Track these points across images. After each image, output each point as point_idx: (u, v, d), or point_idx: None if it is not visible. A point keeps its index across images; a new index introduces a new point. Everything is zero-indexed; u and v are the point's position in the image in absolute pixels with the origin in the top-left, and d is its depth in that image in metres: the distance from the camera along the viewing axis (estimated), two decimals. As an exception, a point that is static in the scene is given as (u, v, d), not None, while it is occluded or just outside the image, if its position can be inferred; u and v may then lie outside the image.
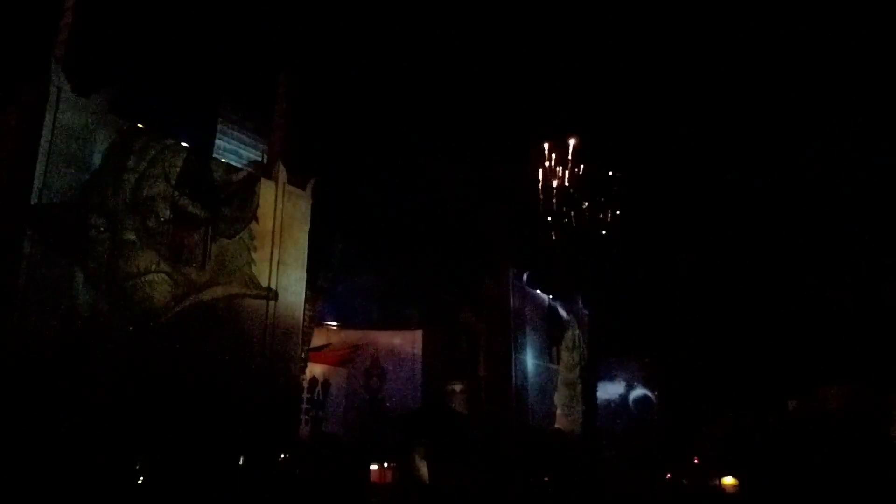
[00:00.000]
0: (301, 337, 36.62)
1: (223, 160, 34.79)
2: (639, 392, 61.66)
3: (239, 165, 35.52)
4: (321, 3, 41.06)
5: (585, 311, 57.57)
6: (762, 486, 43.60)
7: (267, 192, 35.04)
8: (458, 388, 47.97)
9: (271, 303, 34.34)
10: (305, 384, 40.81)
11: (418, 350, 49.57)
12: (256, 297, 33.77)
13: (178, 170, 31.01)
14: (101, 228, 28.10)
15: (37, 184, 26.27)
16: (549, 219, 45.57)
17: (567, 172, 45.73)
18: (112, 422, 26.14)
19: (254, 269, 33.81)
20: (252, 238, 33.91)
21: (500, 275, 49.20)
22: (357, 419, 46.27)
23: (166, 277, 30.05)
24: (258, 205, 34.44)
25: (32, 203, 26.11)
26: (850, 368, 52.57)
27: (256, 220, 34.25)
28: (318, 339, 43.40)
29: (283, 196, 35.79)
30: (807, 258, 59.78)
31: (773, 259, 61.82)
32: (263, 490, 30.81)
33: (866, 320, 54.61)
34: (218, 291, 32.03)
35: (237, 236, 33.36)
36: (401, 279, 51.17)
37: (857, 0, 58.58)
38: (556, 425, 51.16)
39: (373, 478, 43.05)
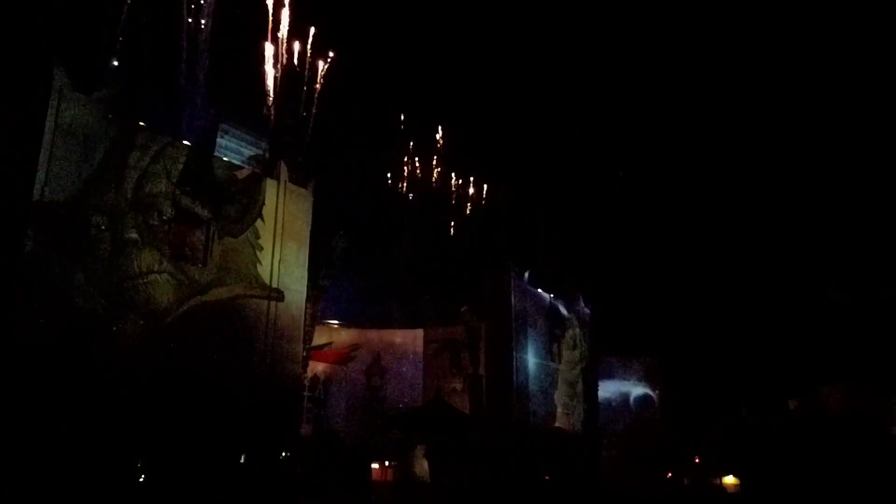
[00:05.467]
0: (302, 335, 36.56)
1: (225, 159, 34.70)
2: (640, 391, 61.61)
3: (240, 164, 35.43)
4: (322, 3, 40.99)
5: (587, 310, 57.54)
6: (763, 485, 43.63)
7: (269, 191, 34.99)
8: (458, 386, 47.95)
9: (273, 302, 34.26)
10: (307, 382, 40.81)
11: (419, 348, 49.57)
12: (262, 297, 33.72)
13: (180, 167, 30.94)
14: (102, 227, 27.99)
15: (39, 182, 26.20)
16: None
17: None
18: (113, 420, 26.08)
19: (259, 269, 33.78)
20: (257, 237, 33.81)
21: (501, 274, 49.17)
22: (358, 417, 46.27)
23: (169, 278, 29.91)
24: (264, 203, 34.34)
25: (34, 200, 26.05)
26: (850, 368, 52.66)
27: (262, 218, 34.20)
28: (319, 338, 43.38)
29: (285, 195, 35.69)
30: (807, 258, 59.83)
31: (774, 259, 61.91)
32: (264, 488, 30.81)
33: (866, 320, 54.63)
34: (222, 292, 31.87)
35: (242, 235, 33.32)
36: (402, 278, 51.20)
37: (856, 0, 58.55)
38: (557, 424, 51.12)
39: (374, 476, 43.10)
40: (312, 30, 39.81)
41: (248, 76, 38.43)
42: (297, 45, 39.42)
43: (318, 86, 40.48)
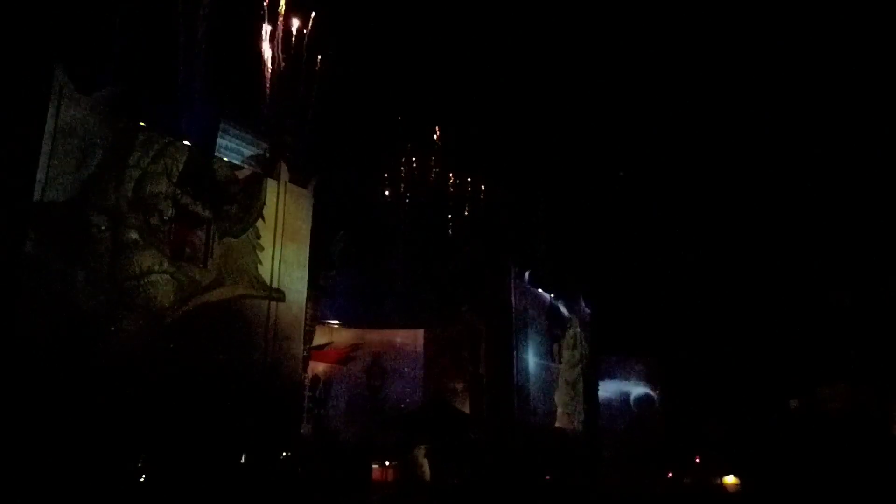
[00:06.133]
0: (303, 336, 36.57)
1: (225, 159, 34.69)
2: (640, 391, 61.70)
3: (240, 164, 35.42)
4: (324, 2, 41.04)
5: (587, 310, 57.60)
6: (763, 485, 43.68)
7: (269, 191, 34.98)
8: (459, 386, 47.95)
9: (274, 302, 34.25)
10: (307, 383, 40.80)
11: (420, 349, 49.53)
12: (263, 297, 33.68)
13: (181, 167, 30.93)
14: (103, 227, 27.93)
15: (39, 182, 26.13)
16: None
17: None
18: (114, 421, 26.06)
19: (260, 269, 33.76)
20: (258, 237, 33.81)
21: (501, 274, 49.17)
22: (358, 418, 46.24)
23: (170, 278, 29.84)
24: (264, 203, 34.35)
25: (34, 201, 26.01)
26: (851, 368, 52.66)
27: (263, 218, 34.19)
28: (319, 338, 43.37)
29: (286, 194, 35.71)
30: (807, 258, 59.84)
31: (774, 259, 61.91)
32: (265, 488, 30.81)
33: (866, 320, 54.65)
34: (223, 292, 31.81)
35: (243, 235, 33.30)
36: (402, 277, 51.16)
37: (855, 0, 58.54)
38: (558, 424, 51.19)
39: (374, 476, 43.07)
40: (313, 14, 39.77)
41: (248, 75, 38.47)
42: (294, 40, 39.42)
43: (316, 84, 40.51)
